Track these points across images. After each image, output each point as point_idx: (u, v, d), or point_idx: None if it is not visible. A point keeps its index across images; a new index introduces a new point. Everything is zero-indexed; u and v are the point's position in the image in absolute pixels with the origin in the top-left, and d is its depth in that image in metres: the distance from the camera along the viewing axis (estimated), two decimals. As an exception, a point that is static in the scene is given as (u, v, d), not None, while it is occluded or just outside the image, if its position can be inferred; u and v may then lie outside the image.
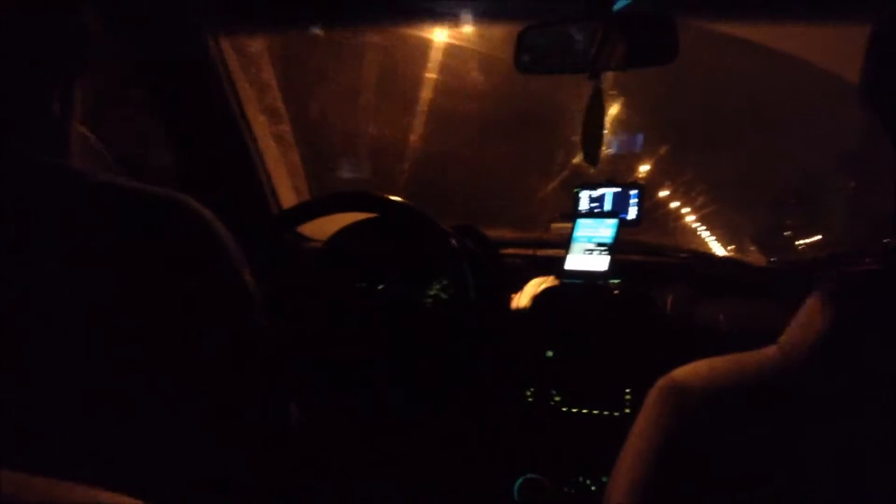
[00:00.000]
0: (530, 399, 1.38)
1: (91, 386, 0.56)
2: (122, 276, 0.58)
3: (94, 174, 0.62)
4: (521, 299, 1.46)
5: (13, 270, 0.55)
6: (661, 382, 0.51)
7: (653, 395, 0.51)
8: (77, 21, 0.67)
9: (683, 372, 0.51)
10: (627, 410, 1.31)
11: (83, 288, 0.56)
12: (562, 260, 1.48)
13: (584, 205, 1.55)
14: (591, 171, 1.39)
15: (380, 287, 1.46)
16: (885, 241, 0.52)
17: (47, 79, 0.65)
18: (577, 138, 1.20)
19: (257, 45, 1.74)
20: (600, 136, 1.29)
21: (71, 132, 0.68)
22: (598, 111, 1.24)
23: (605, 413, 1.33)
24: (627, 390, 1.32)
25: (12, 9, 0.61)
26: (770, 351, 0.50)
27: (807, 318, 0.50)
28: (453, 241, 1.32)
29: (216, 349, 0.62)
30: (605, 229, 1.47)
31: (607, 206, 1.52)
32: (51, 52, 0.65)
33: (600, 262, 1.43)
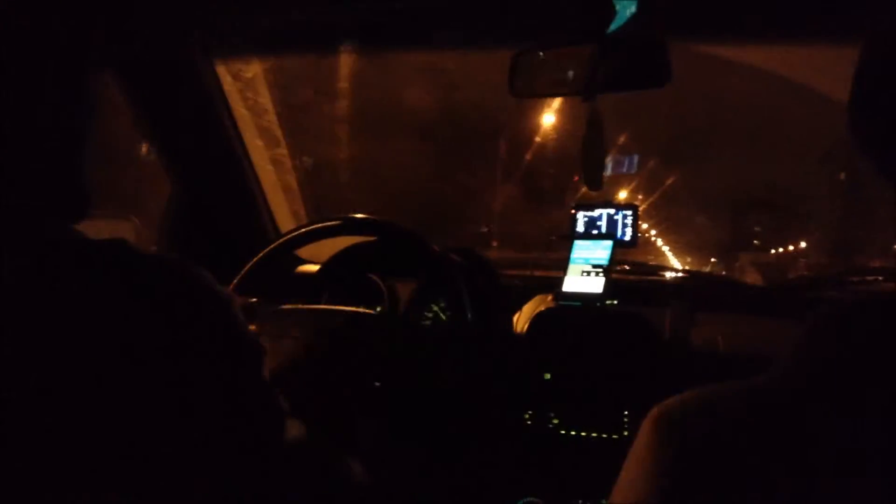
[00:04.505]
0: (528, 422, 1.37)
1: (90, 449, 0.56)
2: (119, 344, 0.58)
3: (96, 244, 0.62)
4: (519, 321, 1.46)
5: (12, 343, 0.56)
6: (654, 412, 0.51)
7: (645, 426, 0.51)
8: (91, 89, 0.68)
9: (675, 402, 0.51)
10: (626, 433, 1.31)
11: (77, 357, 0.57)
12: (559, 281, 1.48)
13: (580, 226, 1.55)
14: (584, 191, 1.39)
15: (378, 309, 1.46)
16: None
17: (58, 139, 0.66)
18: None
19: (253, 70, 1.75)
20: (602, 158, 1.29)
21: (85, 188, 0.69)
22: (597, 134, 1.25)
23: (604, 435, 1.32)
24: (626, 412, 1.31)
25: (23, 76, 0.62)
26: (763, 379, 0.50)
27: (800, 347, 0.49)
28: (451, 264, 1.32)
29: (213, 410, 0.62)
30: (601, 251, 1.47)
31: (603, 226, 1.53)
32: (64, 117, 0.66)
33: (596, 284, 1.43)
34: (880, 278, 1.50)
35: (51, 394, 0.56)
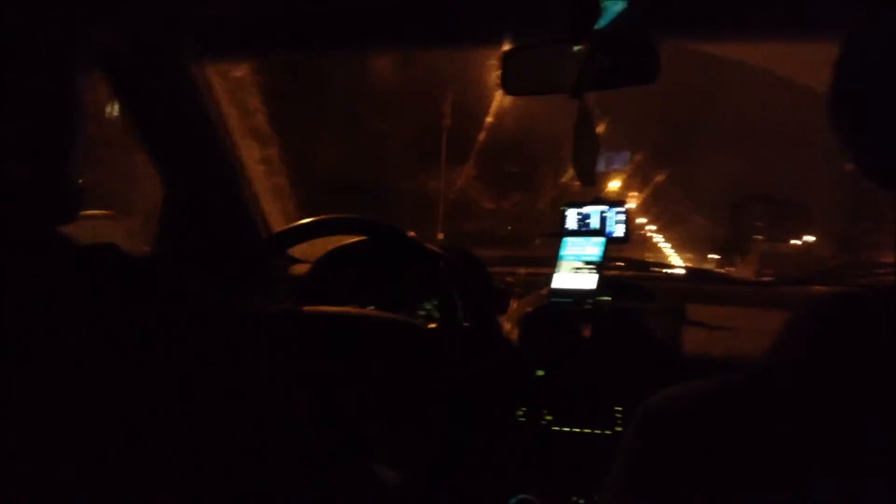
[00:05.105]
0: (521, 419, 1.37)
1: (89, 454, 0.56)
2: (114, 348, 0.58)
3: (84, 248, 0.62)
4: (511, 318, 1.46)
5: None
6: (641, 409, 0.51)
7: (633, 421, 0.51)
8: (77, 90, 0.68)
9: (661, 398, 0.51)
10: (619, 429, 1.31)
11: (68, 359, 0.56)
12: (550, 278, 1.48)
13: (571, 223, 1.56)
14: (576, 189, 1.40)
15: (369, 308, 1.45)
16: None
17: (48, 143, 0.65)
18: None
19: (243, 70, 1.75)
20: (594, 154, 1.29)
21: (73, 192, 0.69)
22: (588, 130, 1.25)
23: (597, 432, 1.33)
24: (618, 408, 1.32)
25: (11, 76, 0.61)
26: (746, 375, 0.50)
27: (779, 345, 0.49)
28: (441, 263, 1.32)
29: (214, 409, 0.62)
30: (593, 247, 1.48)
31: (594, 223, 1.53)
32: (51, 119, 0.65)
33: (588, 281, 1.44)
34: (884, 272, 1.50)
35: (42, 401, 0.56)
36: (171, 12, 1.40)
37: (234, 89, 1.72)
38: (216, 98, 1.61)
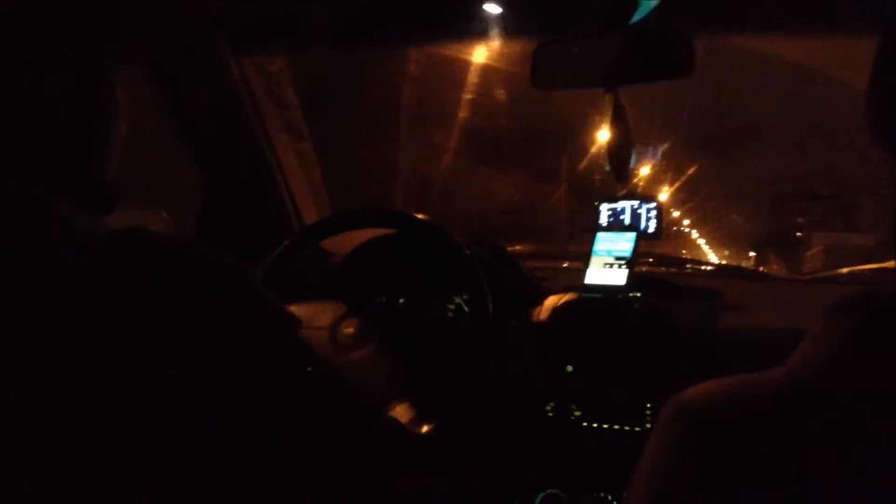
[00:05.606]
0: (550, 414, 1.37)
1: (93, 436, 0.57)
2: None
3: (116, 232, 0.64)
4: (541, 313, 1.46)
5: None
6: (674, 403, 0.51)
7: (663, 416, 0.51)
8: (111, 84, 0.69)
9: (697, 392, 0.51)
10: (648, 425, 1.30)
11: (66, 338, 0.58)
12: (581, 273, 1.48)
13: (603, 218, 1.55)
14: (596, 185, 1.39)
15: (400, 301, 1.47)
16: None
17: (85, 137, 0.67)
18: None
19: (279, 64, 1.77)
20: (629, 150, 1.28)
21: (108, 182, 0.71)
22: (623, 125, 1.24)
23: (626, 428, 1.32)
24: (648, 405, 1.31)
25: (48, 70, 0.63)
26: (777, 373, 0.49)
27: (814, 340, 0.49)
28: (472, 256, 1.32)
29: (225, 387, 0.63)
30: (625, 243, 1.47)
31: (626, 219, 1.52)
32: (88, 112, 0.67)
33: (619, 276, 1.43)
34: None
35: (76, 379, 0.57)
36: (206, 8, 1.42)
37: (269, 83, 1.74)
38: (251, 92, 1.64)
